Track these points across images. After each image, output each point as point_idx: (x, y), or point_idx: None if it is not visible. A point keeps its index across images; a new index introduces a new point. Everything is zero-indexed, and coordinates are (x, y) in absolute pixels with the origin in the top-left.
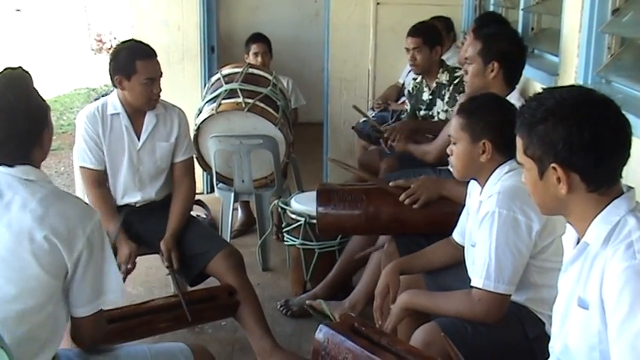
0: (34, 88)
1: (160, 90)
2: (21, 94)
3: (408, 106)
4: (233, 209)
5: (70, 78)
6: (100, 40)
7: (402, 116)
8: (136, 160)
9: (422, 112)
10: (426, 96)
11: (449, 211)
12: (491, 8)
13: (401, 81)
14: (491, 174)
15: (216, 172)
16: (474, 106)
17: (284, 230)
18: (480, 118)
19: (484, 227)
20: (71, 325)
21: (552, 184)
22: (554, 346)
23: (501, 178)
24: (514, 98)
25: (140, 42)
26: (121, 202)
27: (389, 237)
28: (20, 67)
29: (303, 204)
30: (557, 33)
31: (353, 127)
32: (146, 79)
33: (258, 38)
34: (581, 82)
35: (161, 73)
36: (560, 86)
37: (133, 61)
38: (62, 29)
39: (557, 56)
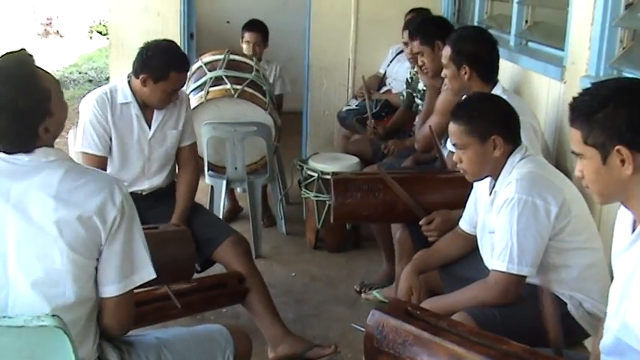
0: (30, 78)
1: (177, 97)
2: (8, 91)
3: (405, 92)
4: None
5: None
6: (50, 24)
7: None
8: (147, 150)
9: (417, 101)
10: (421, 86)
11: (464, 198)
12: (477, 2)
13: (382, 71)
14: (503, 165)
15: (207, 161)
16: (469, 109)
17: (302, 184)
18: (481, 117)
19: (504, 213)
20: (100, 311)
21: (616, 167)
22: (610, 325)
23: (515, 165)
24: (499, 91)
25: (179, 49)
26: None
27: (400, 225)
28: (22, 50)
29: (319, 162)
30: (554, 26)
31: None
32: (172, 89)
33: (253, 27)
34: (592, 74)
35: (184, 84)
36: (606, 80)
37: (168, 70)
38: (4, 13)
39: (560, 49)
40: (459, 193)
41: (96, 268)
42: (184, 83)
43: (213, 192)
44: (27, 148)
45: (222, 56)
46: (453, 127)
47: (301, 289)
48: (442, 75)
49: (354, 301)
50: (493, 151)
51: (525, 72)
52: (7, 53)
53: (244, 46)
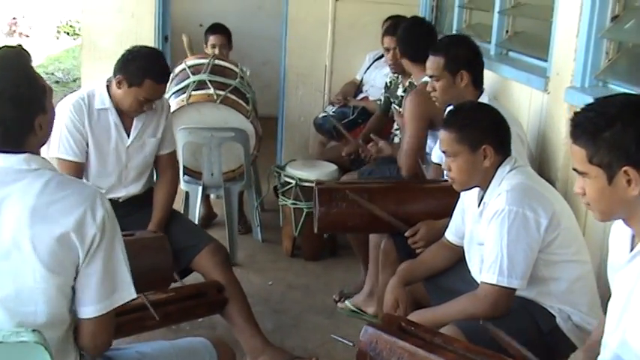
0: (29, 70)
1: (152, 108)
2: (9, 76)
3: (382, 97)
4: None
5: None
6: (15, 24)
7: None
8: (125, 157)
9: (395, 106)
10: (399, 92)
11: (448, 207)
12: (456, 10)
13: (358, 77)
14: (493, 176)
15: (184, 166)
16: (461, 117)
17: (279, 191)
18: (473, 126)
19: (494, 225)
20: (77, 330)
21: (622, 187)
22: (608, 342)
23: (505, 177)
24: (485, 100)
25: (162, 59)
26: None
27: (385, 235)
28: (19, 45)
29: (296, 169)
30: (536, 36)
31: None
32: (144, 98)
33: (217, 30)
34: (578, 85)
35: (161, 97)
36: (610, 95)
37: (144, 77)
38: None
39: (544, 60)
40: (443, 203)
41: (73, 288)
42: (160, 96)
43: (188, 198)
44: (20, 142)
45: (207, 60)
46: (443, 134)
47: (279, 299)
48: (428, 88)
49: (332, 310)
50: (483, 160)
51: (506, 81)
52: (5, 46)
53: (209, 50)
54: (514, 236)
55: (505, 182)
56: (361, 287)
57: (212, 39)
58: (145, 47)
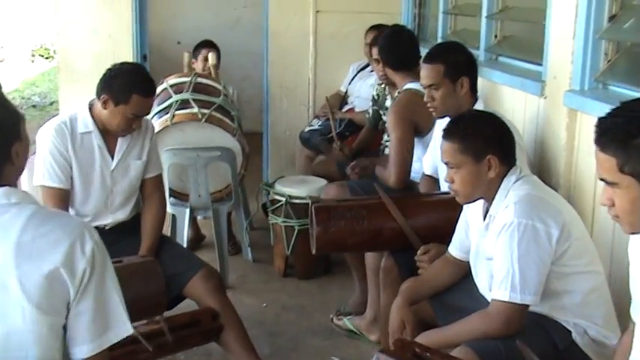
0: (2, 97)
1: (140, 126)
2: None
3: (370, 110)
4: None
5: None
6: None
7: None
8: (110, 182)
9: (384, 118)
10: (388, 103)
11: (451, 221)
12: (440, 17)
13: (343, 89)
14: (498, 187)
15: (169, 188)
16: (463, 126)
17: (269, 209)
18: (476, 135)
19: (503, 239)
20: None
21: None
22: None
23: (511, 188)
24: (481, 107)
25: (145, 72)
26: None
27: (385, 252)
28: None
29: (286, 186)
30: (527, 40)
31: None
32: (133, 115)
33: (210, 44)
34: (577, 88)
35: (149, 112)
36: (637, 99)
37: (130, 93)
38: None
39: (537, 63)
40: (444, 216)
41: (64, 327)
42: (149, 111)
43: (175, 221)
44: None
45: (189, 79)
46: (445, 144)
47: (274, 321)
48: (426, 99)
49: (330, 331)
50: (488, 171)
51: (497, 87)
52: None
53: (199, 64)
54: (525, 250)
55: (512, 193)
56: (358, 303)
57: (204, 52)
58: (126, 63)
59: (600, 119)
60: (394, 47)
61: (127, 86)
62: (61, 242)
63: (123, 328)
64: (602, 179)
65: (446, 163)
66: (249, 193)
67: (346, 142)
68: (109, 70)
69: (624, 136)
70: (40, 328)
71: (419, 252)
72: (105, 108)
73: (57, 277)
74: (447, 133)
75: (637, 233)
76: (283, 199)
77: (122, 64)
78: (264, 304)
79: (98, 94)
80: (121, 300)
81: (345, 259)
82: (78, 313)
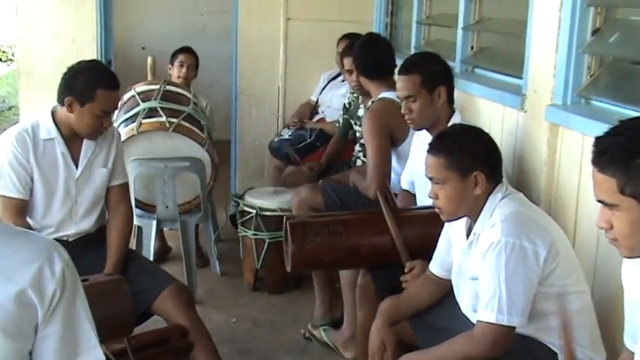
0: None
1: (111, 124)
2: None
3: (341, 119)
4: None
5: None
6: None
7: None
8: (74, 190)
9: (356, 127)
10: (361, 112)
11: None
12: (414, 27)
13: (313, 98)
14: (483, 205)
15: (135, 199)
16: (450, 140)
17: (238, 221)
18: (463, 151)
19: (490, 258)
20: None
21: None
22: None
23: (497, 205)
24: (458, 118)
25: (105, 66)
26: (52, 237)
27: (362, 269)
28: None
29: (256, 198)
30: (504, 52)
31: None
32: (101, 111)
33: (189, 50)
34: (559, 103)
35: (117, 107)
36: (636, 117)
37: (94, 88)
38: None
39: (517, 76)
40: (424, 232)
41: (30, 353)
42: (116, 105)
43: (141, 233)
44: None
45: (158, 86)
46: (430, 159)
47: (244, 337)
48: (404, 111)
49: (303, 347)
50: (474, 188)
51: (472, 99)
52: None
53: (175, 70)
54: (512, 270)
55: (498, 211)
56: (322, 313)
57: (181, 57)
58: (83, 61)
59: (598, 139)
60: (369, 55)
61: (90, 83)
62: (30, 263)
63: (93, 354)
64: (599, 201)
65: (430, 179)
66: (216, 204)
67: (316, 153)
68: (66, 72)
69: (625, 156)
70: (6, 354)
71: (407, 268)
72: (71, 111)
73: (24, 299)
74: (433, 148)
75: (634, 257)
76: (254, 211)
77: (79, 63)
78: (234, 320)
79: (60, 98)
80: (92, 323)
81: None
82: (45, 336)
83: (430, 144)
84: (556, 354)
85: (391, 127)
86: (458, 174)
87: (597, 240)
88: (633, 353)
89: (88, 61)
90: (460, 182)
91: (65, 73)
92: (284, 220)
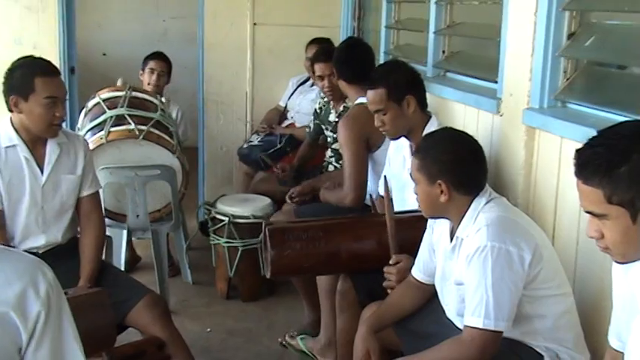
0: None
1: (65, 114)
2: None
3: (311, 124)
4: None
5: None
6: None
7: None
8: (40, 197)
9: (328, 133)
10: (332, 117)
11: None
12: (383, 31)
13: (282, 104)
14: (466, 210)
15: (105, 208)
16: (428, 145)
17: (210, 229)
18: (433, 158)
19: (476, 263)
20: None
21: None
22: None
23: (481, 210)
24: (435, 123)
25: (40, 58)
26: (20, 247)
27: (342, 275)
28: None
29: (228, 205)
30: (477, 56)
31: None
32: (47, 99)
33: (160, 56)
34: (536, 106)
35: (65, 94)
36: (614, 125)
37: (32, 79)
38: None
39: (491, 80)
40: (406, 237)
41: None
42: (62, 91)
43: (111, 243)
44: None
45: (123, 93)
46: (412, 158)
47: (220, 347)
48: (377, 124)
49: (280, 355)
50: (439, 195)
51: (446, 103)
52: None
53: (146, 76)
54: (499, 275)
55: (482, 216)
56: (310, 322)
57: (152, 63)
58: (18, 59)
59: (579, 151)
60: (350, 60)
61: (26, 75)
62: (13, 282)
63: None
64: (588, 212)
65: (410, 175)
66: (186, 212)
67: (286, 158)
68: (4, 73)
69: (608, 167)
70: None
71: (392, 261)
72: (20, 111)
73: (7, 321)
74: (416, 148)
75: (627, 263)
76: (226, 218)
77: (13, 62)
78: (209, 329)
79: (6, 102)
80: (79, 343)
81: (289, 279)
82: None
83: (416, 144)
84: (542, 356)
85: (367, 133)
86: (426, 179)
87: (577, 243)
88: (619, 352)
89: (22, 58)
90: (427, 187)
91: (3, 76)
92: (263, 226)
